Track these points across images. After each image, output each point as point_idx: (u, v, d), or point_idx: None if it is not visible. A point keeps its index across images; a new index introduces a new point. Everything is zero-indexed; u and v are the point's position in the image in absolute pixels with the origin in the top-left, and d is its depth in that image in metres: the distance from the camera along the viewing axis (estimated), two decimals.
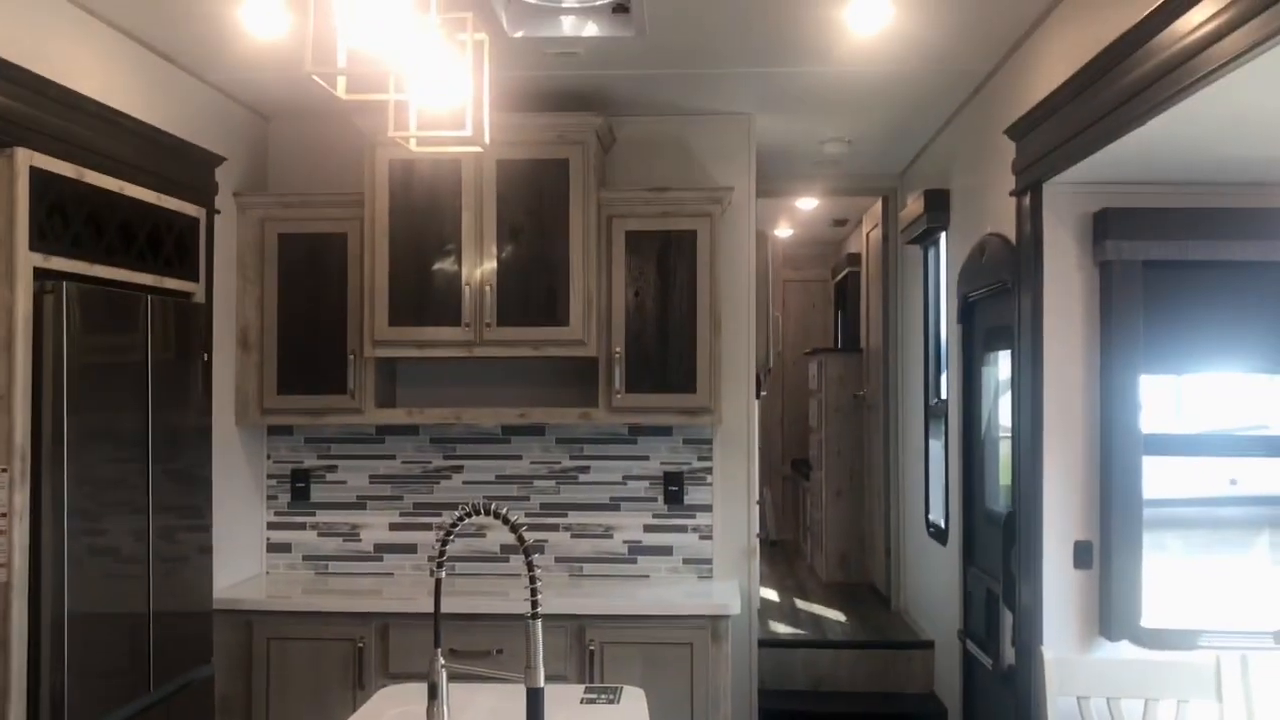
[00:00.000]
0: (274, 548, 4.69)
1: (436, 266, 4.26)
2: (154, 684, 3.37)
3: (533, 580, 2.35)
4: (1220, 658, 3.10)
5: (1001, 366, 4.03)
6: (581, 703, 2.97)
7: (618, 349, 4.29)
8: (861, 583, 6.86)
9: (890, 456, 6.26)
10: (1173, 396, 3.45)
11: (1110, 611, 3.29)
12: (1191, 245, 3.26)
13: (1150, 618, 3.32)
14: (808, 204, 7.11)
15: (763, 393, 5.30)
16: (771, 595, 6.59)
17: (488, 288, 4.21)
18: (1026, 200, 3.46)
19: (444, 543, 2.41)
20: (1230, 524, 3.57)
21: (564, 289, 4.23)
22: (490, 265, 4.23)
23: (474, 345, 4.24)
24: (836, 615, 5.99)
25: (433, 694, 2.40)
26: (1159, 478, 3.44)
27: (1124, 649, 3.32)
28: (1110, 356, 3.31)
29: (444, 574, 2.44)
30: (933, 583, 5.25)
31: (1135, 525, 3.27)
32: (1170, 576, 3.45)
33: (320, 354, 4.37)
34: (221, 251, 4.24)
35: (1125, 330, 3.29)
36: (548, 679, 3.45)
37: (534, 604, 2.34)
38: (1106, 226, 3.29)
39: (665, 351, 4.34)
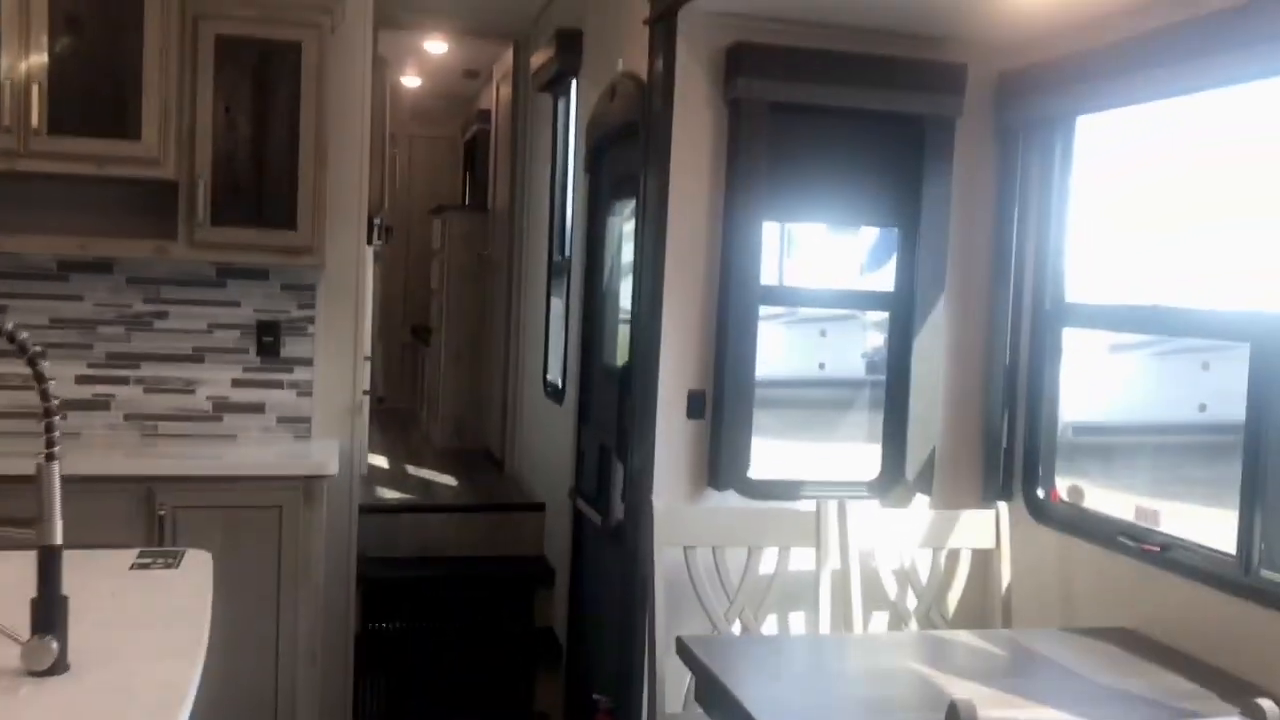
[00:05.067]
0: None
1: None
2: None
3: (48, 414, 1.87)
4: (820, 504, 3.13)
5: (627, 216, 3.86)
6: (132, 568, 2.51)
7: (202, 172, 3.70)
8: (477, 448, 6.68)
9: (511, 317, 6.05)
10: (791, 247, 3.41)
11: (719, 462, 3.23)
12: (816, 89, 3.17)
13: (757, 470, 3.30)
14: (437, 47, 6.63)
15: (378, 240, 4.87)
16: (381, 462, 6.26)
17: (36, 86, 3.47)
18: (660, 31, 3.24)
19: None
20: (819, 403, 3.65)
21: (136, 97, 3.56)
22: (40, 60, 3.47)
23: (17, 156, 3.49)
24: (448, 480, 5.77)
25: None
26: (768, 359, 3.44)
27: (731, 499, 3.28)
28: (734, 202, 3.20)
29: None
30: (547, 444, 5.12)
31: (748, 374, 3.20)
32: (775, 442, 3.47)
33: None
34: None
35: (750, 175, 3.17)
36: (106, 548, 2.95)
37: (49, 441, 1.87)
38: (738, 63, 3.13)
39: (261, 181, 3.81)
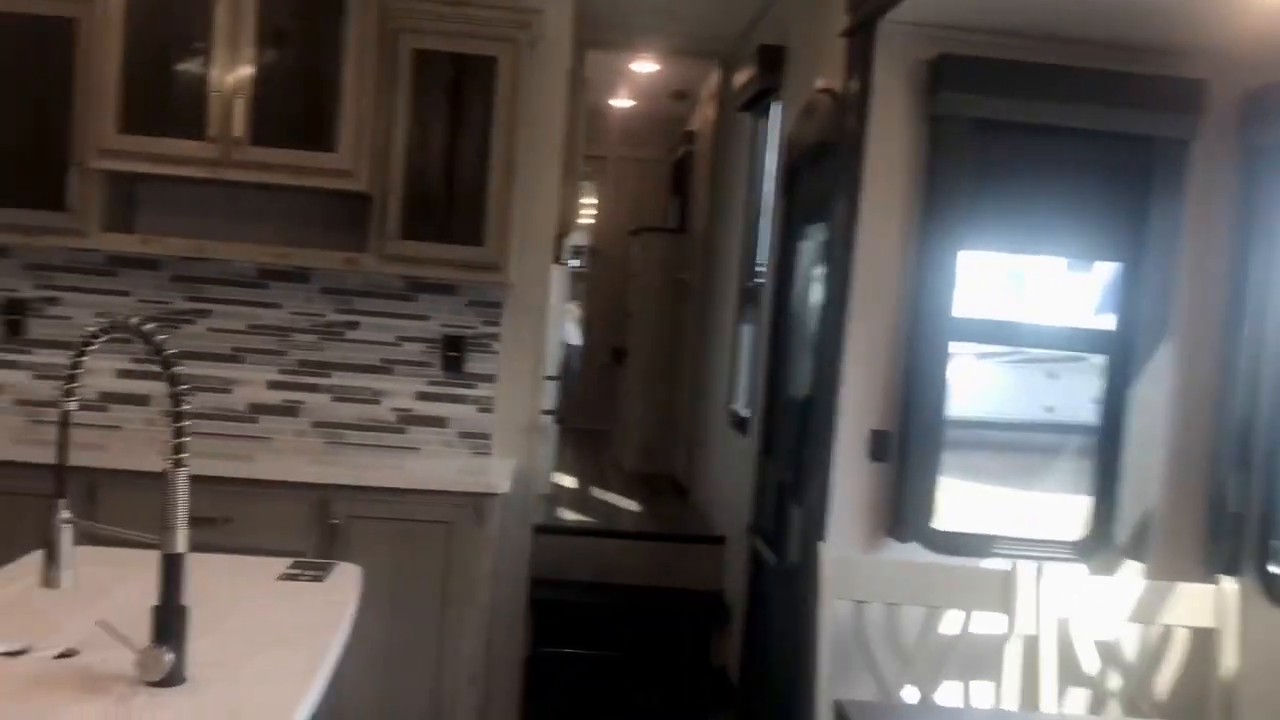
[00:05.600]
0: None
1: (181, 67, 3.58)
2: None
3: (179, 419, 1.82)
4: (1014, 565, 2.82)
5: (817, 240, 3.64)
6: (280, 578, 2.48)
7: (394, 187, 3.72)
8: (665, 474, 6.55)
9: (702, 343, 5.90)
10: (994, 279, 3.12)
11: (902, 510, 2.97)
12: (1028, 106, 2.88)
13: (944, 521, 3.01)
14: (645, 68, 6.57)
15: (567, 259, 4.82)
16: (569, 482, 6.21)
17: (240, 98, 3.56)
18: (858, 42, 3.02)
19: (75, 365, 1.86)
20: (1041, 449, 3.31)
21: (334, 109, 3.62)
22: (246, 72, 3.57)
23: (221, 165, 3.60)
24: (631, 505, 5.65)
25: (51, 557, 1.86)
26: (974, 399, 3.16)
27: (913, 552, 3.01)
28: (930, 227, 2.94)
29: (76, 405, 1.89)
30: (730, 476, 4.93)
31: (936, 415, 2.93)
32: (972, 487, 3.18)
33: (38, 163, 3.66)
34: None
35: (949, 198, 2.91)
36: (279, 554, 2.96)
37: (177, 448, 1.82)
38: (942, 76, 2.88)
39: (451, 196, 3.80)
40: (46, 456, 3.39)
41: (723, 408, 5.21)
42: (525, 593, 4.18)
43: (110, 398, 4.03)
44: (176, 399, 1.82)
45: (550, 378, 4.52)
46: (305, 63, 3.63)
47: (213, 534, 3.49)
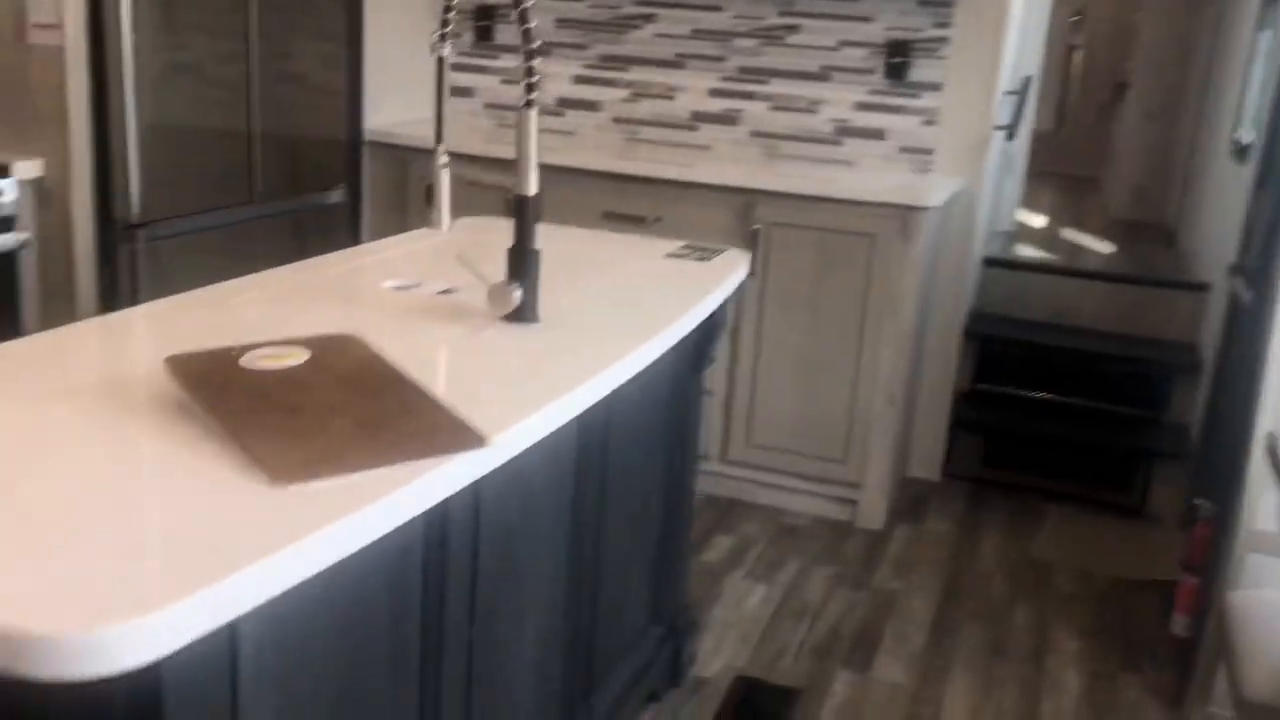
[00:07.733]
0: (456, 92, 4.34)
1: None
2: (257, 198, 3.17)
3: (529, 56, 1.79)
4: None
5: None
6: (667, 256, 2.47)
7: None
8: (1155, 222, 5.79)
9: (1213, 61, 5.01)
10: None
11: None
12: None
13: None
14: None
15: None
16: (1037, 221, 5.69)
17: None
18: None
19: (447, 8, 1.89)
20: None
21: None
22: None
23: None
24: (1103, 247, 5.06)
25: (428, 197, 1.96)
26: None
27: None
28: None
29: (448, 50, 1.93)
30: (1223, 214, 4.23)
31: None
32: None
33: None
34: None
35: None
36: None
37: (529, 87, 1.80)
38: None
39: None
40: (509, 153, 3.67)
41: (1225, 135, 4.44)
42: (963, 323, 3.94)
43: (566, 103, 4.20)
44: (527, 36, 1.79)
45: (1010, 92, 4.05)
46: None
47: (643, 230, 3.61)
